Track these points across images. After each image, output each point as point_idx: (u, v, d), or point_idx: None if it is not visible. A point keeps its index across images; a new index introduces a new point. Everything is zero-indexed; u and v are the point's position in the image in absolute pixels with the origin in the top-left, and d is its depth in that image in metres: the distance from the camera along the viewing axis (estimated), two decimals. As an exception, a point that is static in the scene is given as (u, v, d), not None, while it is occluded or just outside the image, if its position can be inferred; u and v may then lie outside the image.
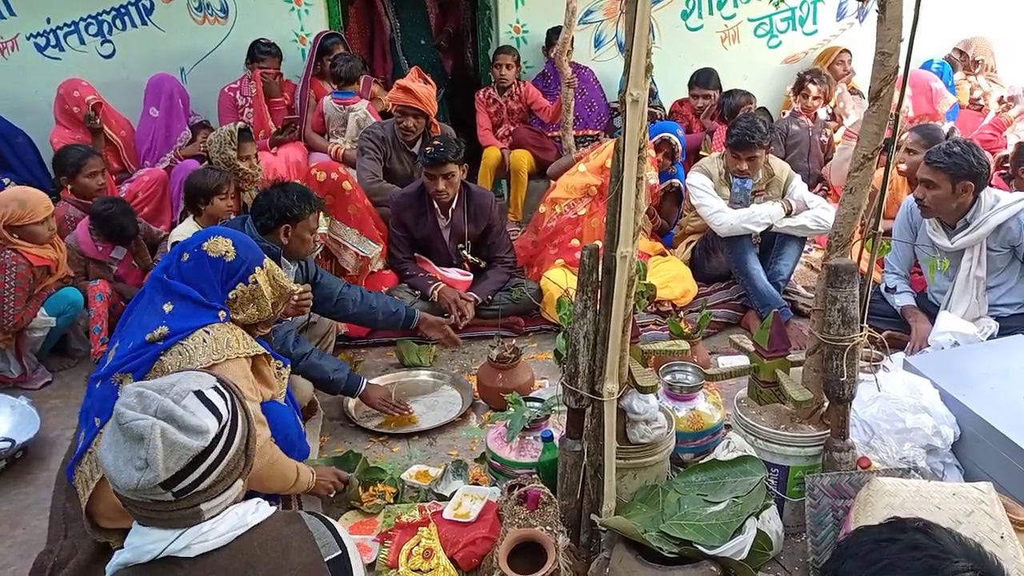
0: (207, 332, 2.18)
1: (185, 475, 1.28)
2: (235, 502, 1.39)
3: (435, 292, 3.82)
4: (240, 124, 4.14)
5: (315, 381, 3.05)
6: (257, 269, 2.33)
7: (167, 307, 2.22)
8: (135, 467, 1.25)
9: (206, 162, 4.26)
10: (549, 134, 5.49)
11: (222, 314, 2.26)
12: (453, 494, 2.44)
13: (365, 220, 4.03)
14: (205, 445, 1.29)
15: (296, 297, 2.79)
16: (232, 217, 3.92)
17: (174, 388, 1.32)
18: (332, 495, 2.48)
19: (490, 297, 3.93)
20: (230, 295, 2.29)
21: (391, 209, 4.07)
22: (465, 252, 4.06)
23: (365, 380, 3.13)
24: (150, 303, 2.27)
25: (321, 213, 3.74)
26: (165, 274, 2.28)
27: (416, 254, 4.07)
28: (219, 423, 1.32)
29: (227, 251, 2.26)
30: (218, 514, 1.35)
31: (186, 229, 3.75)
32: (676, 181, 4.64)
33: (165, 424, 1.27)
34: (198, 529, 1.32)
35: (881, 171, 2.28)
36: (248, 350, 2.26)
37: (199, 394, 1.33)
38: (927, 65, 5.85)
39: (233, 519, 1.37)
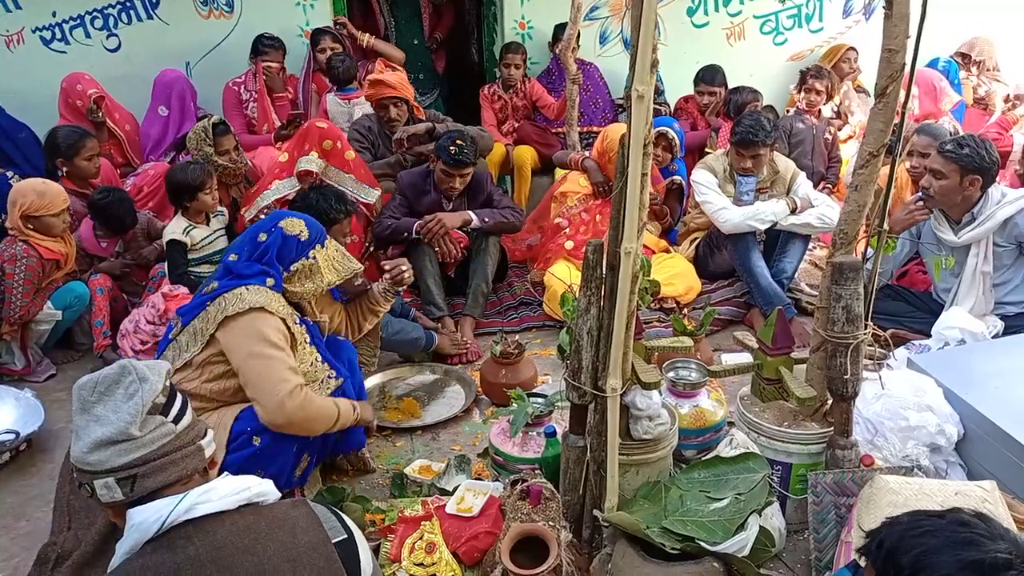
0: (246, 289, 2.34)
1: (171, 404, 1.40)
2: (213, 461, 1.49)
3: (417, 226, 3.82)
4: (215, 118, 4.15)
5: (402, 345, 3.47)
6: (317, 246, 2.53)
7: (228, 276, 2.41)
8: (128, 396, 1.35)
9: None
10: (554, 130, 5.48)
11: (270, 281, 2.40)
12: (456, 489, 2.45)
13: (361, 169, 4.03)
14: (169, 368, 1.45)
15: (390, 275, 2.99)
16: (219, 209, 3.94)
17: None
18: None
19: (486, 220, 3.93)
20: (292, 268, 2.47)
21: (396, 186, 4.11)
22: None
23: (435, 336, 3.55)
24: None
25: (315, 152, 3.82)
26: (244, 258, 2.44)
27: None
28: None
29: (301, 231, 2.49)
30: (209, 465, 1.45)
31: (177, 227, 3.76)
32: (678, 178, 4.63)
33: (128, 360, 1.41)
34: (200, 490, 1.37)
35: (886, 169, 2.27)
36: (283, 313, 2.38)
37: None
38: (934, 63, 5.83)
39: (232, 483, 1.42)
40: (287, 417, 2.25)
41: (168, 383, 1.42)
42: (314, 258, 2.50)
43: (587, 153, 4.44)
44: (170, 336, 2.40)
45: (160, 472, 1.35)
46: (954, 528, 1.18)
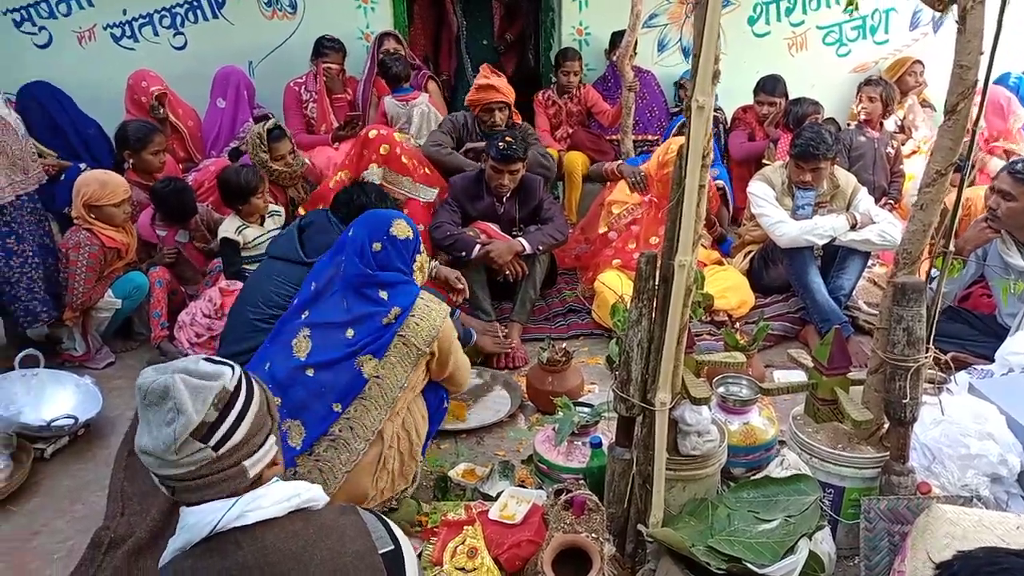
0: (422, 299, 2.39)
1: (218, 425, 1.34)
2: (274, 463, 1.45)
3: (483, 250, 3.78)
4: (271, 123, 4.22)
5: None
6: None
7: (383, 294, 2.36)
8: (167, 423, 1.32)
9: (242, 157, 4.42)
10: (608, 138, 5.45)
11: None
12: (499, 494, 2.45)
13: (419, 171, 4.17)
14: (225, 386, 1.36)
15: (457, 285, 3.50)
16: (276, 209, 4.07)
17: (186, 359, 1.43)
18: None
19: (540, 248, 3.91)
20: (413, 267, 2.49)
21: (449, 191, 4.14)
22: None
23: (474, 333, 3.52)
24: (358, 295, 2.36)
25: (375, 164, 4.02)
26: (368, 268, 2.38)
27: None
28: (232, 371, 1.40)
29: (409, 233, 2.46)
30: (261, 475, 1.41)
31: (230, 226, 3.85)
32: (720, 182, 4.60)
33: (182, 375, 1.35)
34: (251, 496, 1.36)
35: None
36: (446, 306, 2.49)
37: (207, 358, 1.43)
38: (1004, 78, 5.62)
39: (282, 489, 1.40)
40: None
41: (213, 406, 1.34)
42: (421, 251, 2.54)
43: (618, 162, 4.60)
44: (365, 377, 2.28)
45: (195, 491, 1.35)
46: None
